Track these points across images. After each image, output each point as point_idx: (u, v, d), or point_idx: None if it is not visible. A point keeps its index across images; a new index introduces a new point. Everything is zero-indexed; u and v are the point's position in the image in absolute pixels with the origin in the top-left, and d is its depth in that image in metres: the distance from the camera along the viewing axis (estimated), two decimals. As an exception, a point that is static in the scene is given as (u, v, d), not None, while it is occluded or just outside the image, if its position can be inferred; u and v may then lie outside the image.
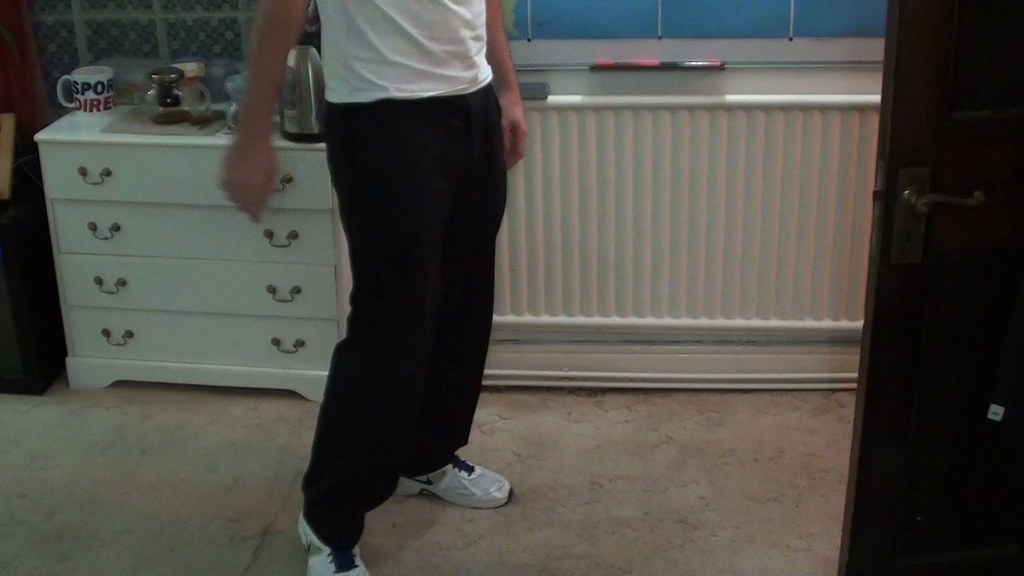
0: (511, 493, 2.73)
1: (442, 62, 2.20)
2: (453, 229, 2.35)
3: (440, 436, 2.66)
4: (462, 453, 2.80)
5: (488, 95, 2.35)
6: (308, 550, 2.50)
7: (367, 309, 2.32)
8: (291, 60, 2.78)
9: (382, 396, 2.35)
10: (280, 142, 2.89)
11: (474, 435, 2.97)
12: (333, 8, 2.18)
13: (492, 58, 2.41)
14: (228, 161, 2.22)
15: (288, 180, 2.90)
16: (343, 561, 2.44)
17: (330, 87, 2.25)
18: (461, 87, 2.24)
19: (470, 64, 2.25)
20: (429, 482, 2.72)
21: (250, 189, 2.23)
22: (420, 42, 2.16)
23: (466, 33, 2.22)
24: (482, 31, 2.29)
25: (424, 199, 2.25)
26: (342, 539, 2.46)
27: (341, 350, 2.39)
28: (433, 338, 2.40)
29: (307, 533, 2.50)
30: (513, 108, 2.52)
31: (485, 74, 2.32)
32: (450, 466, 2.71)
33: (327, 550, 2.45)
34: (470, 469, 2.73)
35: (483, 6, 2.28)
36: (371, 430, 2.38)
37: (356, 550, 2.48)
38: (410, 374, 2.35)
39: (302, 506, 2.50)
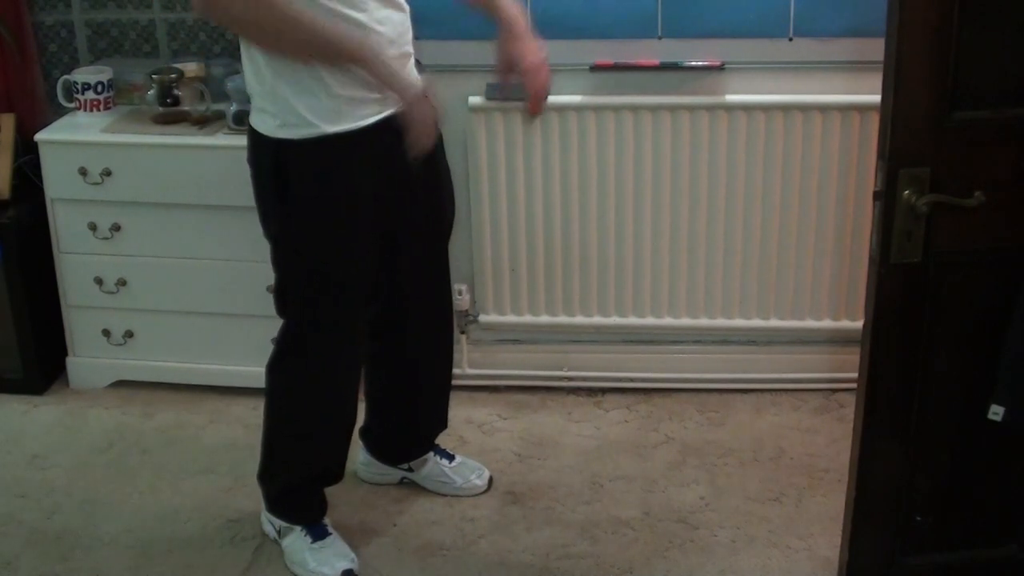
0: (490, 481, 2.76)
1: (370, 85, 2.17)
2: (403, 238, 2.39)
3: (419, 425, 2.71)
4: (456, 447, 2.80)
5: None
6: (279, 535, 2.55)
7: (301, 329, 2.37)
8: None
9: (320, 399, 2.43)
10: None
11: (474, 435, 2.98)
12: None
13: None
14: (397, 82, 2.16)
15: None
16: (316, 532, 2.51)
17: (256, 115, 2.22)
18: (393, 108, 2.22)
19: None
20: (411, 469, 2.75)
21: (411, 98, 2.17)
22: (347, 68, 2.14)
23: (391, 51, 2.19)
24: (408, 47, 2.26)
25: (359, 229, 2.27)
26: (309, 516, 2.53)
27: (276, 364, 2.42)
28: (394, 338, 2.54)
29: (273, 522, 2.57)
30: (506, 43, 2.31)
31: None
32: (431, 454, 2.74)
33: (298, 527, 2.51)
34: (451, 457, 2.76)
35: (408, 22, 2.25)
36: (314, 432, 2.47)
37: (327, 520, 2.54)
38: (345, 376, 2.44)
39: (262, 500, 2.57)
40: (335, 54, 2.11)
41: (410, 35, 2.27)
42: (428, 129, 2.21)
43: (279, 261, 2.33)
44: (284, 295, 2.36)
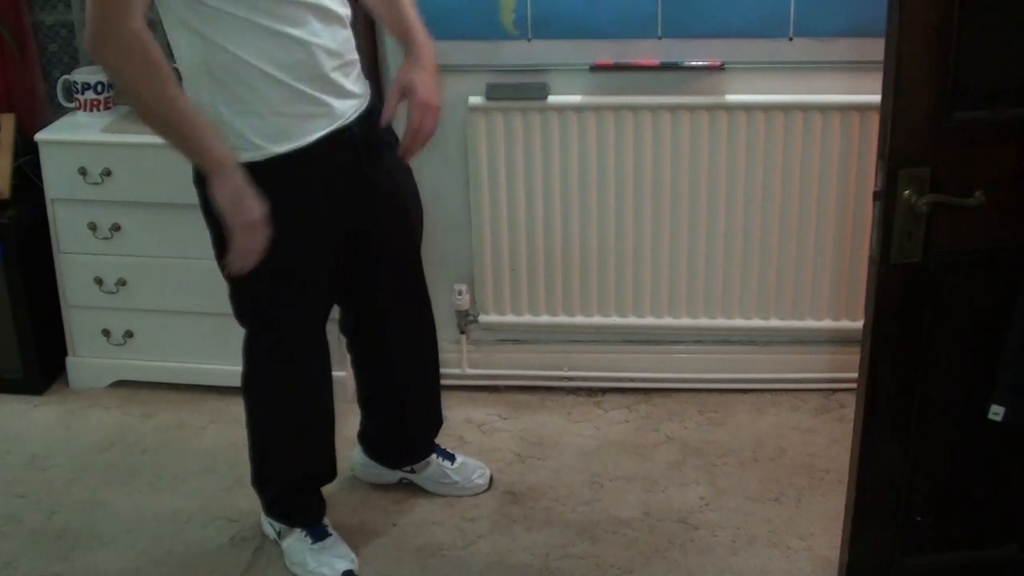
0: (491, 479, 2.76)
1: (317, 100, 2.15)
2: (368, 243, 2.38)
3: (411, 428, 2.70)
4: (456, 447, 2.81)
5: (371, 113, 2.30)
6: (279, 536, 2.56)
7: (264, 341, 2.39)
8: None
9: (295, 406, 2.44)
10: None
11: (474, 435, 2.98)
12: (190, 59, 2.11)
13: (392, 12, 2.32)
14: (229, 210, 2.10)
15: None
16: (316, 533, 2.52)
17: None
18: (340, 120, 2.20)
19: (345, 93, 2.21)
20: (412, 471, 2.74)
21: (255, 224, 2.11)
22: (291, 85, 2.11)
23: (333, 63, 2.17)
24: (351, 56, 2.24)
25: (313, 244, 2.26)
26: (308, 518, 2.53)
27: (247, 377, 2.45)
28: (376, 342, 2.55)
29: (272, 523, 2.58)
30: (409, 71, 2.28)
31: (363, 95, 2.28)
32: (433, 455, 2.74)
33: (298, 529, 2.52)
34: (452, 458, 2.76)
35: (348, 31, 2.22)
36: (294, 435, 2.47)
37: (326, 520, 2.55)
38: (314, 383, 2.45)
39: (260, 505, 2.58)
40: (196, 148, 2.06)
41: (352, 41, 2.24)
42: (247, 255, 2.13)
43: (232, 284, 2.31)
44: (241, 308, 2.36)
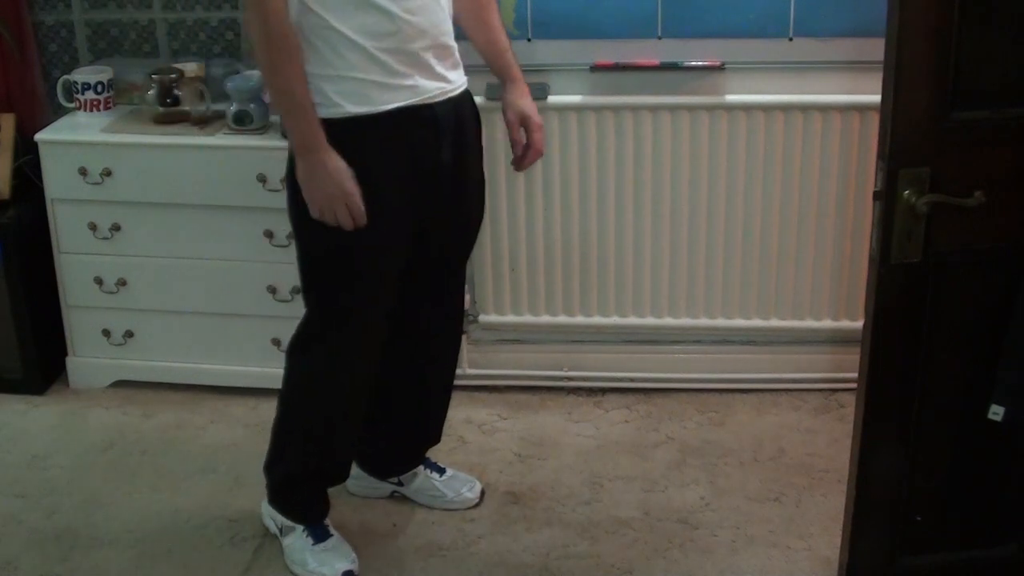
0: (482, 494, 2.73)
1: (400, 74, 2.19)
2: (424, 236, 2.37)
3: (413, 437, 2.68)
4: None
5: (462, 104, 2.33)
6: (280, 533, 2.54)
7: (323, 312, 2.36)
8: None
9: (338, 389, 2.41)
10: (275, 142, 2.90)
11: (474, 435, 2.98)
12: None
13: (488, 52, 2.44)
14: (304, 187, 2.20)
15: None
16: (318, 533, 2.50)
17: None
18: (425, 97, 2.23)
19: (433, 74, 2.23)
20: (400, 484, 2.71)
21: (334, 200, 2.18)
22: (374, 55, 2.16)
23: (423, 43, 2.20)
24: (446, 39, 2.26)
25: (383, 216, 2.25)
26: (311, 515, 2.52)
27: (296, 348, 2.42)
28: (403, 343, 2.50)
29: (275, 517, 2.56)
30: (519, 100, 2.47)
31: (457, 83, 2.31)
32: (421, 467, 2.71)
33: (299, 527, 2.50)
34: (441, 470, 2.72)
35: (445, 14, 2.25)
36: (328, 420, 2.45)
37: (327, 521, 2.53)
38: (365, 368, 2.43)
39: (265, 493, 2.56)
40: (293, 125, 2.18)
41: (448, 26, 2.26)
42: (323, 208, 2.20)
43: (303, 239, 2.31)
44: (307, 280, 2.35)
